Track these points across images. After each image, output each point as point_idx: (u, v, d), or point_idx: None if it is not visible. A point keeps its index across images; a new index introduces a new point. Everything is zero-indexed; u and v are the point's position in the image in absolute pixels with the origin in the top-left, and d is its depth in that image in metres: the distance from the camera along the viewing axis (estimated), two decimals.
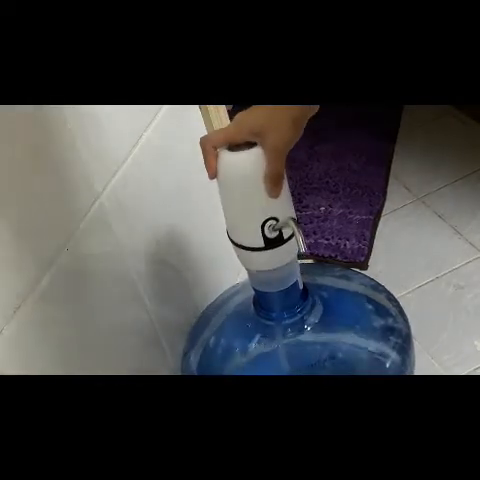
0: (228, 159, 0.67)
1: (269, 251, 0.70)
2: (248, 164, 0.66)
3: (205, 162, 0.69)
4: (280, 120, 0.65)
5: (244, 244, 0.71)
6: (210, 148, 0.68)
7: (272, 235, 0.69)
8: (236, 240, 0.72)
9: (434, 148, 1.68)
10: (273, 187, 0.67)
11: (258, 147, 0.66)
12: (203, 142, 0.69)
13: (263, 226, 0.69)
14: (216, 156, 0.68)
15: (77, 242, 0.72)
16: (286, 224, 0.69)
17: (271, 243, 0.70)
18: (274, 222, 0.69)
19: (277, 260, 0.72)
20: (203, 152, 0.69)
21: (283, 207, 0.69)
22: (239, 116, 0.68)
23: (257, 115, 0.66)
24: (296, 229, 0.67)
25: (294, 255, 0.73)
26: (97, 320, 0.77)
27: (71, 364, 0.72)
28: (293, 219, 0.69)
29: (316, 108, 0.66)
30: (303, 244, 0.67)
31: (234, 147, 0.67)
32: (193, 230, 0.99)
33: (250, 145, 0.67)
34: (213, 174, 0.69)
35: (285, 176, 0.68)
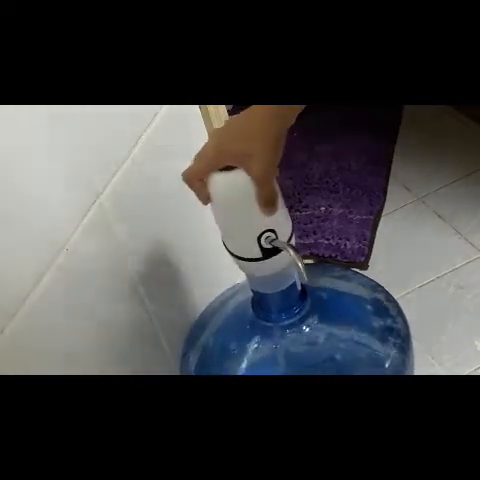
0: (220, 180, 0.66)
1: (266, 261, 0.70)
2: (240, 182, 0.65)
3: (196, 194, 0.68)
4: (262, 146, 0.63)
5: (241, 255, 0.71)
6: (197, 182, 0.67)
7: (269, 246, 0.69)
8: (233, 251, 0.72)
9: (434, 148, 1.68)
10: (267, 209, 0.66)
11: None
12: (187, 177, 0.67)
13: (259, 238, 0.69)
14: (205, 184, 0.67)
15: (77, 242, 0.72)
16: (284, 248, 0.69)
17: (268, 253, 0.70)
18: (271, 234, 0.69)
19: (274, 267, 0.72)
20: (190, 186, 0.68)
21: (278, 218, 0.69)
22: (216, 137, 0.66)
23: (236, 140, 0.64)
24: (296, 258, 0.67)
25: (291, 259, 0.73)
26: (97, 320, 0.77)
27: (71, 364, 0.72)
28: (291, 246, 0.69)
29: (291, 120, 0.64)
30: (304, 274, 0.67)
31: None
32: (193, 230, 0.99)
33: None
34: (207, 201, 0.68)
35: (278, 190, 0.68)
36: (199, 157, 0.67)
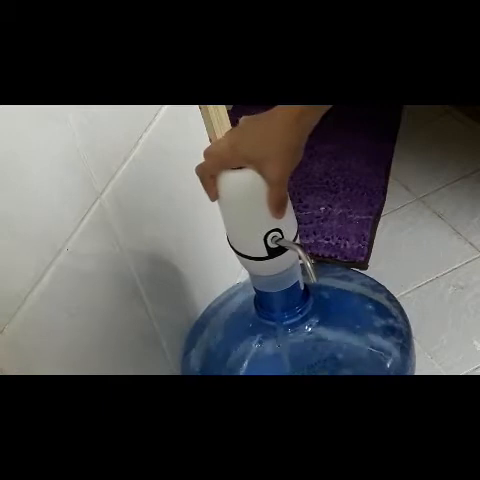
0: (229, 178, 0.66)
1: (272, 260, 0.70)
2: (249, 181, 0.65)
3: (205, 189, 0.68)
4: (278, 150, 0.63)
5: (246, 254, 0.71)
6: (208, 177, 0.67)
7: (275, 246, 0.69)
8: (238, 250, 0.72)
9: (434, 148, 1.68)
10: (277, 212, 0.66)
11: None
12: (200, 172, 0.67)
13: (265, 237, 0.69)
14: (215, 180, 0.67)
15: (77, 242, 0.72)
16: (292, 249, 0.69)
17: (274, 252, 0.70)
18: (277, 233, 0.69)
19: (279, 266, 0.72)
20: (201, 181, 0.68)
21: (285, 218, 0.69)
22: (233, 136, 0.65)
23: (253, 141, 0.64)
24: (305, 258, 0.67)
25: (296, 258, 0.73)
26: (97, 320, 0.77)
27: (71, 364, 0.72)
28: (300, 246, 0.69)
29: (312, 126, 0.63)
30: (313, 274, 0.67)
31: None
32: (193, 230, 0.99)
33: None
34: (215, 197, 0.68)
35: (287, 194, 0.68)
36: (214, 154, 0.67)
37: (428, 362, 1.21)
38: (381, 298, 0.87)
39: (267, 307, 0.80)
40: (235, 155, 0.65)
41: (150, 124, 0.86)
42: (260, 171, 0.64)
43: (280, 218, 0.67)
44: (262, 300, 0.80)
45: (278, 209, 0.66)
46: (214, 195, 0.68)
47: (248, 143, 0.64)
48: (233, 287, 0.94)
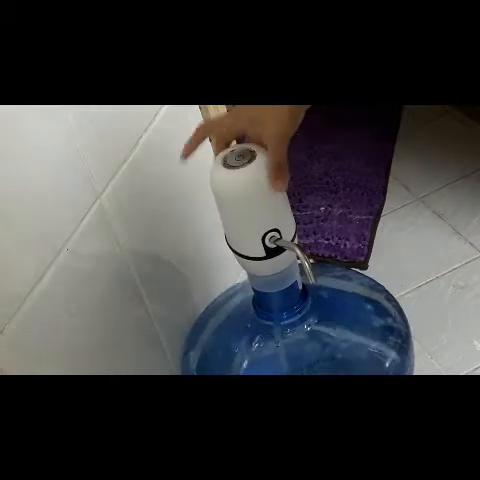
0: (226, 176, 0.66)
1: (270, 260, 0.70)
2: (246, 180, 0.66)
3: (188, 142, 0.68)
4: (279, 111, 0.63)
5: (245, 254, 0.71)
6: (201, 133, 0.67)
7: (273, 246, 0.69)
8: (236, 249, 0.72)
9: (434, 148, 1.68)
10: (277, 179, 0.65)
11: (254, 162, 0.65)
12: (199, 125, 0.68)
13: (264, 237, 0.69)
14: (201, 141, 0.68)
15: (77, 242, 0.72)
16: (290, 249, 0.69)
17: (272, 252, 0.70)
18: (275, 233, 0.69)
19: (277, 266, 0.72)
20: (193, 134, 0.68)
21: (283, 218, 0.69)
22: (232, 110, 0.67)
23: (252, 107, 0.65)
24: (303, 259, 0.67)
25: (294, 258, 0.73)
26: (97, 320, 0.77)
27: (71, 364, 0.72)
28: (299, 246, 0.69)
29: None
30: (311, 274, 0.67)
31: (229, 164, 0.67)
32: (193, 230, 0.99)
33: (244, 159, 0.66)
34: (187, 155, 0.69)
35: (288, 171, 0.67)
36: (215, 119, 0.69)
37: (428, 362, 1.21)
38: (380, 298, 0.88)
39: (266, 307, 0.80)
40: (237, 117, 0.66)
41: (150, 124, 0.86)
42: (262, 131, 0.64)
43: (280, 189, 0.66)
44: (261, 300, 0.80)
45: (277, 172, 0.65)
46: (188, 152, 0.69)
47: (247, 107, 0.65)
48: (232, 287, 0.95)
